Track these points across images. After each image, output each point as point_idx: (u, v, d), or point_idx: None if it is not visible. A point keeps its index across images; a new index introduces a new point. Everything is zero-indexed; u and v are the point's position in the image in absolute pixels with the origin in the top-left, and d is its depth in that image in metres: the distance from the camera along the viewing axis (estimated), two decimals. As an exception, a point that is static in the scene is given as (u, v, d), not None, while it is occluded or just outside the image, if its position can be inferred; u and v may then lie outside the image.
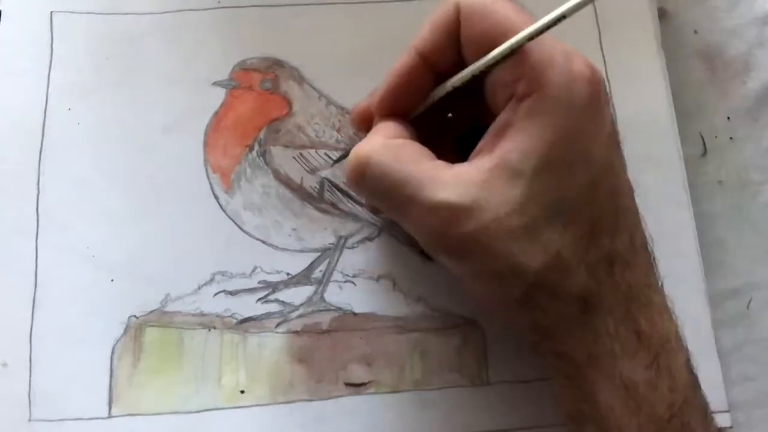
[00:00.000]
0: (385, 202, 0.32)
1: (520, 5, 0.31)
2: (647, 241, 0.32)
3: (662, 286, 0.32)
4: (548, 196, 0.29)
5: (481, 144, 0.31)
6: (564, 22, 0.44)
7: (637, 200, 0.33)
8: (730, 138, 0.43)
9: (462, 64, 0.32)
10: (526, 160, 0.28)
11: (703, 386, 0.32)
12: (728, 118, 0.43)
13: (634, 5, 0.43)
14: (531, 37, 0.29)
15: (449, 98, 0.33)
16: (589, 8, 0.43)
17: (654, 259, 0.32)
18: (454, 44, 0.31)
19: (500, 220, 0.28)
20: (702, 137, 0.43)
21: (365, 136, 0.34)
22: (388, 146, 0.31)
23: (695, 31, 0.45)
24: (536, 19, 0.30)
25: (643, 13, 0.43)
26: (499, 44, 0.30)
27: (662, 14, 0.44)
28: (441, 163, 0.30)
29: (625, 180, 0.32)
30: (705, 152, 0.43)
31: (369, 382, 0.37)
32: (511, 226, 0.28)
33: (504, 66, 0.30)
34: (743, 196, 0.42)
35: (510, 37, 0.29)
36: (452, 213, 0.29)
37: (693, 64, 0.44)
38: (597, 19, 0.43)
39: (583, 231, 0.29)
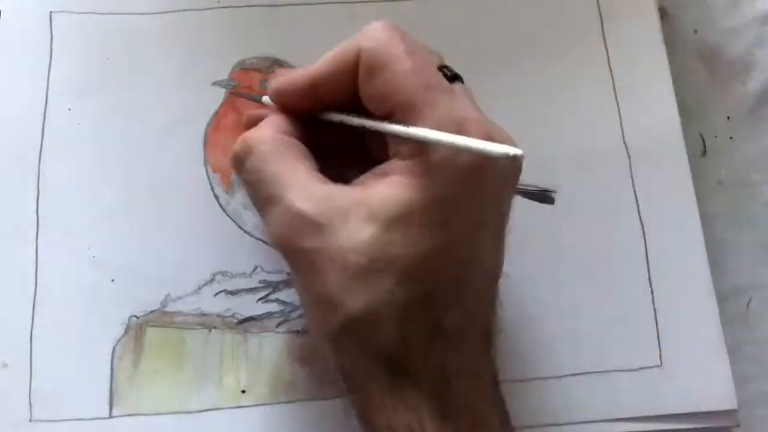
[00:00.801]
0: (255, 193, 0.32)
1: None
2: (492, 332, 0.31)
3: (496, 379, 0.31)
4: (390, 250, 0.28)
5: (362, 177, 0.31)
6: (565, 11, 0.44)
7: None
8: (730, 138, 0.43)
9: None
10: (383, 209, 0.28)
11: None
12: (728, 117, 0.44)
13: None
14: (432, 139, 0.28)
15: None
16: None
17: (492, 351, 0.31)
18: (350, 87, 0.31)
19: (342, 250, 0.28)
20: (702, 137, 0.43)
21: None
22: (275, 140, 0.31)
23: (695, 31, 0.45)
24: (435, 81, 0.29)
25: (645, 4, 0.43)
26: (391, 104, 0.29)
27: (662, 14, 0.44)
28: (316, 175, 0.30)
29: (490, 264, 0.31)
30: (705, 152, 0.43)
31: (370, 381, 0.37)
32: (347, 261, 0.28)
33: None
34: (743, 196, 0.42)
35: (401, 101, 0.29)
36: (303, 224, 0.29)
37: (693, 64, 0.44)
38: (599, 8, 0.43)
39: (413, 295, 0.29)
